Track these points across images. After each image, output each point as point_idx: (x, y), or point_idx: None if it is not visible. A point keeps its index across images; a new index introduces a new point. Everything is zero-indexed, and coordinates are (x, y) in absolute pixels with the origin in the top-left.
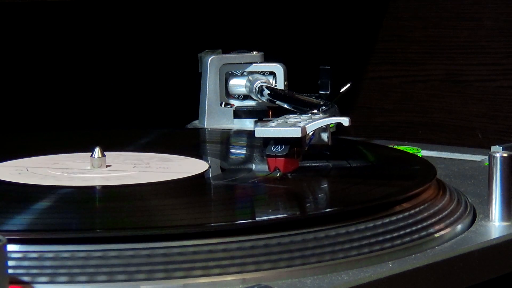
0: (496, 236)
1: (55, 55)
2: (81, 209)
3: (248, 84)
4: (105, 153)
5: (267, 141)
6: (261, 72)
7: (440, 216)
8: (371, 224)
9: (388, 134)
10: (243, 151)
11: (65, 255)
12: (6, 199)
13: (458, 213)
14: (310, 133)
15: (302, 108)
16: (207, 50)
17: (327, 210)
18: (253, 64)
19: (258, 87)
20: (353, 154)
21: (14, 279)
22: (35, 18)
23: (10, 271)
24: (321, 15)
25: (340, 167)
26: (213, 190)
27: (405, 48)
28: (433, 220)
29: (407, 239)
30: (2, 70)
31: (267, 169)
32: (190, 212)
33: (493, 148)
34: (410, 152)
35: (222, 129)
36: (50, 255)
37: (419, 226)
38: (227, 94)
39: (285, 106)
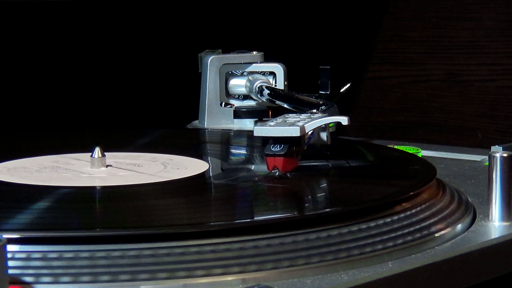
0: (496, 236)
1: (55, 55)
2: (81, 209)
3: (248, 84)
4: (105, 153)
5: (266, 140)
6: (261, 72)
7: (440, 216)
8: (371, 224)
9: (388, 134)
10: (243, 151)
11: (66, 255)
12: (6, 199)
13: (458, 213)
14: (309, 133)
15: (302, 108)
16: (207, 50)
17: (327, 210)
18: (253, 64)
19: (258, 87)
20: (353, 154)
21: (14, 279)
22: (35, 18)
23: (10, 271)
24: (321, 15)
25: (339, 166)
26: (213, 190)
27: (405, 48)
28: (433, 220)
29: (407, 239)
30: (2, 70)
31: (266, 169)
32: (190, 212)
33: (493, 148)
34: (410, 152)
35: (222, 129)
36: (51, 255)
37: (419, 226)
38: (227, 94)
39: (285, 106)
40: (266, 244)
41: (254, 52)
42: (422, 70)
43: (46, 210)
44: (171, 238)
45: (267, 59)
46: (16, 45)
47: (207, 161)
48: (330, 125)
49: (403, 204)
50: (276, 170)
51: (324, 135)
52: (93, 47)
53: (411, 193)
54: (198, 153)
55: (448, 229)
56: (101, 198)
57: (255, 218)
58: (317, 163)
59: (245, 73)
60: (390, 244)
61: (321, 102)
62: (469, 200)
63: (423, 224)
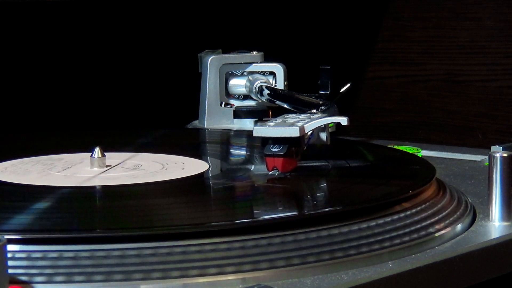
0: (496, 236)
1: (55, 55)
2: (81, 209)
3: (248, 84)
4: (105, 153)
5: (266, 141)
6: (261, 72)
7: (440, 216)
8: (371, 224)
9: (388, 134)
10: (243, 151)
11: (65, 255)
12: (6, 199)
13: (458, 213)
14: (309, 133)
15: (302, 108)
16: (207, 50)
17: (327, 209)
18: (253, 64)
19: (258, 87)
20: (353, 154)
21: (14, 279)
22: (35, 18)
23: (10, 271)
24: (321, 15)
25: (339, 166)
26: (212, 190)
27: (405, 48)
28: (433, 219)
29: (407, 238)
30: (2, 70)
31: (266, 169)
32: (189, 212)
33: (493, 148)
34: (410, 152)
35: (222, 129)
36: (50, 255)
37: (419, 225)
38: (227, 94)
39: (285, 106)
40: (266, 243)
41: (254, 52)
42: (422, 70)
43: (46, 210)
44: (170, 238)
45: (267, 59)
46: (16, 45)
47: (207, 161)
48: (330, 125)
49: (403, 204)
50: (275, 171)
51: (323, 135)
52: (93, 47)
53: (410, 192)
54: (198, 153)
55: (448, 229)
56: (101, 198)
57: (255, 218)
58: (317, 163)
59: (245, 73)
60: (390, 244)
61: (321, 102)
62: (469, 200)
63: (423, 224)
